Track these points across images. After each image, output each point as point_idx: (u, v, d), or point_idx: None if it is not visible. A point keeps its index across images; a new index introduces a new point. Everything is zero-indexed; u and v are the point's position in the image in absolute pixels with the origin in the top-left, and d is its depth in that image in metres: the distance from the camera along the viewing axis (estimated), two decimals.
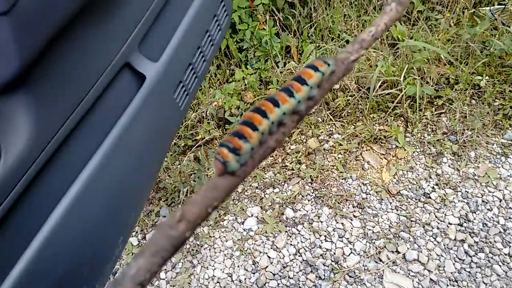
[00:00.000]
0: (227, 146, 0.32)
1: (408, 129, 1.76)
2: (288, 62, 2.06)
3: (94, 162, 0.77)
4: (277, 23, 2.09)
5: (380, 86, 1.78)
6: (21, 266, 0.66)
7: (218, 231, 1.61)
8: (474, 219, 1.50)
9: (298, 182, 1.67)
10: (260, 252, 1.51)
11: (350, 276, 1.40)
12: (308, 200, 1.61)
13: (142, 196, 0.97)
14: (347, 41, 1.94)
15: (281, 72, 2.00)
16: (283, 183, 1.69)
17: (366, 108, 1.76)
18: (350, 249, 1.46)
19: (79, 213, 0.74)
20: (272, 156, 1.79)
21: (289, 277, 1.43)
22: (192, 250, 1.57)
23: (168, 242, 0.28)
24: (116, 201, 0.85)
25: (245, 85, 2.01)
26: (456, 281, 1.36)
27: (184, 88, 0.96)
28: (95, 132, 0.79)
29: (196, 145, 1.90)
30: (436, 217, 1.52)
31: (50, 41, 0.62)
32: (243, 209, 1.64)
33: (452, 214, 1.51)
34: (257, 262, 1.49)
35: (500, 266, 1.37)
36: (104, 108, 0.80)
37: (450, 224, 1.50)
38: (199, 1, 0.96)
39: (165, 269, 1.55)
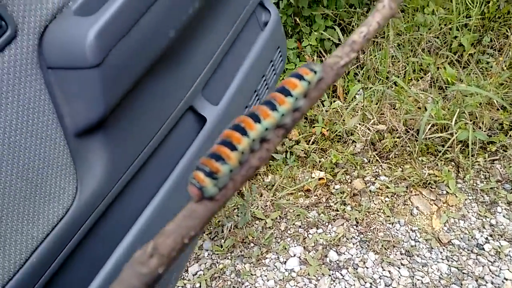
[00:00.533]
0: (203, 169, 0.29)
1: (459, 175, 1.70)
2: (334, 101, 2.07)
3: (157, 199, 0.80)
4: None
5: (429, 129, 1.75)
6: None
7: (260, 269, 1.58)
8: None
9: (343, 223, 1.64)
10: None
11: None
12: (353, 244, 1.57)
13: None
14: (395, 83, 1.94)
15: (326, 111, 2.01)
16: (327, 224, 1.66)
17: (415, 151, 1.73)
18: None
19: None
20: (316, 195, 1.78)
21: None
22: (234, 287, 1.55)
23: (138, 281, 0.26)
24: None
25: None
26: None
27: None
28: (159, 171, 0.82)
29: None
30: (490, 270, 1.44)
31: (129, 90, 0.67)
32: (285, 248, 1.62)
33: (508, 269, 1.43)
34: None
35: None
36: (168, 148, 0.83)
37: (506, 279, 1.41)
38: (258, 48, 1.00)
39: None
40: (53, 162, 0.62)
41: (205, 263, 1.66)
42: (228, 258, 1.66)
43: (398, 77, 1.99)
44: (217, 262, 1.66)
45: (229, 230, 1.69)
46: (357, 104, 1.92)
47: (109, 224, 0.74)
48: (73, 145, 0.65)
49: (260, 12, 1.03)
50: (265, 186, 1.87)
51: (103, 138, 0.68)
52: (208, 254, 1.69)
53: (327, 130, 1.96)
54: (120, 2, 0.57)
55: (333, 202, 1.72)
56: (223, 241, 1.69)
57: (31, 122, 0.58)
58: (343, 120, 1.95)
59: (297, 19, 2.04)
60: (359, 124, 1.86)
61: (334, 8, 2.04)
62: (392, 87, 1.98)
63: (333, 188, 1.78)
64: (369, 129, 1.82)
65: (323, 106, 2.06)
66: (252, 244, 1.67)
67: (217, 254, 1.67)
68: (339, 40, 2.04)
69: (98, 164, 0.68)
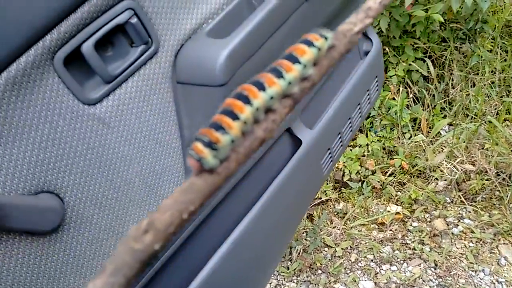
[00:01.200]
0: (201, 140, 0.27)
1: None
2: (416, 134, 1.99)
3: (251, 215, 0.82)
4: (409, 95, 2.07)
5: None
6: None
7: None
8: None
9: (420, 264, 1.55)
10: None
11: None
12: (430, 287, 1.48)
13: (280, 254, 0.99)
14: (490, 122, 1.83)
15: (408, 144, 1.94)
16: (401, 262, 1.58)
17: (506, 196, 1.60)
18: None
19: (231, 262, 0.78)
20: (391, 230, 1.71)
21: None
22: None
23: (131, 258, 0.24)
24: (263, 253, 0.87)
25: (368, 151, 1.99)
26: None
27: (330, 155, 0.99)
28: (253, 188, 0.84)
29: (312, 204, 1.89)
30: None
31: None
32: (355, 281, 1.57)
33: None
34: None
35: None
36: (264, 166, 0.85)
37: None
38: (358, 76, 1.00)
39: None
40: (169, 169, 0.66)
41: (271, 283, 1.65)
42: (294, 282, 1.64)
43: (490, 115, 1.88)
44: (282, 284, 1.64)
45: (298, 254, 1.67)
46: (446, 141, 1.83)
47: (203, 235, 0.77)
48: (186, 155, 0.70)
49: (362, 40, 1.04)
50: (335, 213, 1.84)
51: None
52: (274, 275, 1.68)
53: (407, 164, 1.89)
54: (250, 27, 0.60)
55: (410, 240, 1.64)
56: (290, 263, 1.68)
57: (157, 130, 0.63)
58: (425, 154, 1.87)
59: (386, 48, 2.02)
60: (445, 161, 1.78)
61: (426, 40, 1.99)
62: (481, 126, 1.87)
63: (410, 225, 1.70)
64: (456, 168, 1.72)
65: (404, 138, 2.00)
66: (319, 271, 1.64)
67: (283, 275, 1.66)
68: (428, 73, 1.98)
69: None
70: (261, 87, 0.29)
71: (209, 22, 0.62)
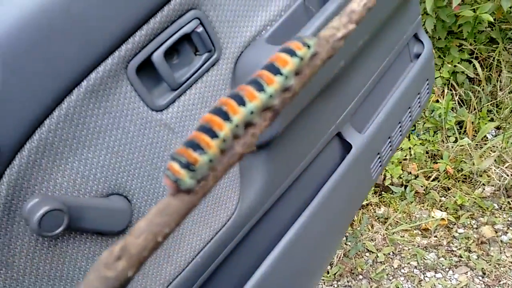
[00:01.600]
0: (178, 160, 0.25)
1: None
2: (462, 138, 1.93)
3: (301, 220, 0.82)
4: (454, 97, 2.00)
5: None
6: None
7: None
8: None
9: (466, 272, 1.50)
10: None
11: None
12: None
13: (328, 260, 0.99)
14: None
15: (452, 147, 1.88)
16: (447, 270, 1.54)
17: None
18: None
19: (281, 267, 0.78)
20: (436, 237, 1.66)
21: None
22: None
23: (104, 285, 0.22)
24: (313, 258, 0.88)
25: (410, 155, 1.94)
26: None
27: (380, 159, 0.97)
28: (304, 192, 0.85)
29: None
30: None
31: (299, 113, 0.71)
32: (397, 287, 1.53)
33: None
34: None
35: None
36: (314, 170, 0.85)
37: None
38: (409, 79, 0.98)
39: None
40: (227, 172, 0.67)
41: None
42: (334, 286, 1.62)
43: None
44: None
45: (338, 258, 1.65)
46: (494, 145, 1.77)
47: (258, 237, 0.78)
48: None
49: (412, 43, 1.02)
50: (376, 218, 1.80)
51: (265, 156, 0.72)
52: None
53: (452, 168, 1.83)
54: (309, 33, 0.61)
55: (456, 247, 1.59)
56: (330, 267, 1.66)
57: None
58: (471, 159, 1.81)
59: None
60: (493, 166, 1.71)
61: (472, 40, 1.92)
62: None
63: (456, 231, 1.65)
64: (505, 173, 1.66)
65: (448, 141, 1.94)
66: (360, 277, 1.62)
67: (323, 280, 1.64)
68: (476, 74, 1.92)
69: (258, 179, 0.73)
70: (241, 101, 0.27)
71: (267, 29, 0.63)
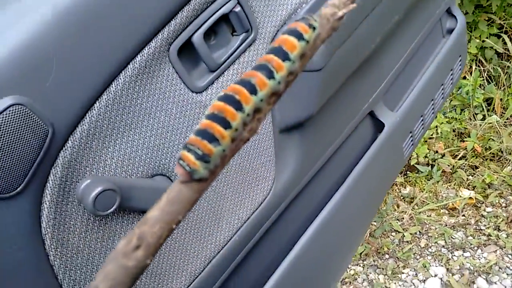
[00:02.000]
0: (194, 151, 0.25)
1: None
2: (490, 115, 1.89)
3: (336, 197, 0.82)
4: (482, 74, 1.95)
5: None
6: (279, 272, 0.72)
7: (396, 283, 1.53)
8: None
9: (496, 251, 1.49)
10: None
11: None
12: (508, 274, 1.42)
13: (361, 239, 0.99)
14: None
15: (480, 125, 1.84)
16: (475, 248, 1.53)
17: None
18: None
19: (316, 245, 0.79)
20: (464, 216, 1.65)
21: None
22: None
23: (125, 275, 0.23)
24: (345, 237, 0.88)
25: (437, 133, 1.91)
26: None
27: (412, 138, 0.96)
28: (337, 172, 0.85)
29: None
30: None
31: (334, 93, 0.70)
32: (425, 266, 1.53)
33: None
34: None
35: None
36: (347, 150, 0.85)
37: None
38: (442, 56, 0.96)
39: None
40: (262, 152, 0.68)
41: None
42: (360, 266, 1.63)
43: None
44: (348, 268, 1.65)
45: (364, 238, 1.66)
46: None
47: (291, 217, 0.79)
48: (277, 139, 0.71)
49: (445, 18, 0.99)
50: (401, 198, 1.79)
51: (299, 136, 0.73)
52: None
53: (480, 146, 1.80)
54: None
55: (484, 225, 1.57)
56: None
57: None
58: (500, 137, 1.77)
59: None
60: None
61: (502, 14, 1.86)
62: None
63: (484, 210, 1.63)
64: None
65: (476, 119, 1.90)
66: (387, 256, 1.62)
67: None
68: (506, 49, 1.86)
69: (292, 158, 0.73)
70: (253, 90, 0.27)
71: (303, 7, 0.62)
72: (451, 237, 1.58)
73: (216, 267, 0.66)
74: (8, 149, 0.38)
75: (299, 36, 0.29)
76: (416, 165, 1.81)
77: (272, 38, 0.61)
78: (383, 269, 1.59)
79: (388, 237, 1.68)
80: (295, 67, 0.30)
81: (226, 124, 0.26)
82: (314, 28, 0.30)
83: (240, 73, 0.60)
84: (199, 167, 0.25)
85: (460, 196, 1.69)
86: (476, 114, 1.91)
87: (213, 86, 0.56)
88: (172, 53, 0.49)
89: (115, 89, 0.45)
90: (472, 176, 1.77)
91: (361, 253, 1.64)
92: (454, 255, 1.53)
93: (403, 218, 1.72)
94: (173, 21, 0.47)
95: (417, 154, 1.84)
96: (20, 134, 0.38)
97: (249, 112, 0.27)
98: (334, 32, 0.32)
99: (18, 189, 0.40)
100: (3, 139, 0.38)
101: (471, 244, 1.54)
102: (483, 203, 1.66)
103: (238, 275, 0.71)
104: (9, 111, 0.37)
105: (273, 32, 0.61)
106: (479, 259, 1.49)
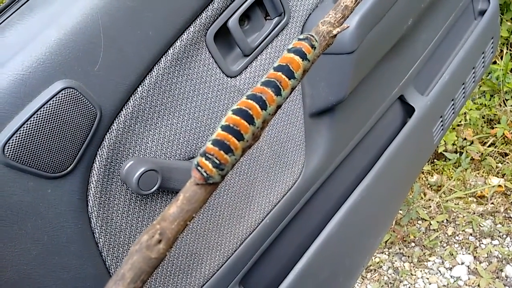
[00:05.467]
0: (212, 160, 0.28)
1: None
2: None
3: (364, 183, 0.82)
4: None
5: None
6: (302, 263, 0.74)
7: (421, 271, 1.52)
8: None
9: None
10: None
11: None
12: None
13: (389, 224, 0.99)
14: None
15: (510, 111, 1.79)
16: (504, 236, 1.50)
17: None
18: None
19: (346, 227, 0.80)
20: (493, 203, 1.62)
21: None
22: (391, 284, 1.53)
23: (148, 266, 0.26)
24: (373, 222, 0.89)
25: (465, 120, 1.87)
26: None
27: (442, 123, 0.95)
28: (366, 156, 0.85)
29: None
30: None
31: (365, 76, 0.70)
32: (452, 254, 1.52)
33: None
34: None
35: None
36: (376, 134, 0.85)
37: None
38: (474, 38, 0.94)
39: None
40: (293, 137, 0.69)
41: None
42: (385, 254, 1.63)
43: None
44: (374, 255, 1.65)
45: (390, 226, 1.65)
46: None
47: (320, 201, 0.79)
48: (307, 124, 0.71)
49: (477, 0, 0.96)
50: (428, 186, 1.77)
51: (329, 120, 0.73)
52: None
53: (510, 133, 1.75)
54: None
55: None
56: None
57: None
58: None
59: None
60: None
61: None
62: None
63: None
64: None
65: (505, 105, 1.84)
66: (413, 244, 1.61)
67: None
68: None
69: (322, 143, 0.74)
70: (263, 106, 0.30)
71: None
72: (479, 225, 1.55)
73: (248, 248, 0.67)
74: (60, 131, 0.40)
75: (303, 56, 0.33)
76: (444, 153, 1.78)
77: (303, 22, 0.62)
78: (408, 256, 1.58)
79: (415, 225, 1.66)
80: (297, 83, 0.33)
81: (240, 137, 0.29)
82: (315, 48, 0.34)
83: (274, 57, 0.60)
84: (215, 174, 0.28)
85: (489, 184, 1.66)
86: (507, 100, 1.86)
87: (247, 70, 0.57)
88: (208, 38, 0.50)
89: (156, 73, 0.46)
90: (501, 163, 1.73)
91: (386, 241, 1.64)
92: (482, 243, 1.51)
93: (430, 206, 1.70)
94: (210, 6, 0.48)
95: (445, 141, 1.81)
96: (71, 117, 0.40)
97: (259, 125, 0.31)
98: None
99: (68, 169, 0.42)
100: (55, 122, 0.40)
101: (499, 232, 1.51)
102: (511, 190, 1.62)
103: (268, 256, 0.73)
104: (61, 94, 0.39)
105: (306, 15, 0.61)
106: (508, 247, 1.46)
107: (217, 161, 0.28)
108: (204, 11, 0.48)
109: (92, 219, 0.47)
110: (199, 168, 0.29)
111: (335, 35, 0.35)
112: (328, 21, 0.36)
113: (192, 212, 0.28)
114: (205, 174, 0.28)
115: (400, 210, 1.68)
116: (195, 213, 0.28)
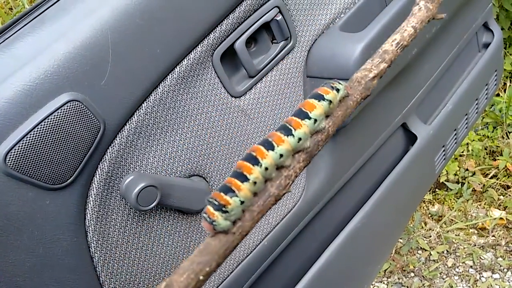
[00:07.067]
0: (212, 203, 0.28)
1: None
2: None
3: (363, 211, 0.81)
4: None
5: None
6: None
7: None
8: None
9: None
10: None
11: None
12: None
13: (387, 254, 0.98)
14: None
15: None
16: (505, 270, 1.48)
17: None
18: None
19: (343, 256, 0.78)
20: (494, 236, 1.60)
21: None
22: None
23: None
24: (372, 250, 0.87)
25: (468, 151, 1.87)
26: None
27: (444, 152, 0.95)
28: (367, 183, 0.84)
29: None
30: None
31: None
32: (451, 287, 1.49)
33: None
34: None
35: None
36: (378, 161, 0.85)
37: None
38: (477, 70, 0.95)
39: None
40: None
41: None
42: (384, 283, 1.60)
43: None
44: (372, 285, 1.62)
45: (390, 255, 1.63)
46: None
47: (319, 225, 0.79)
48: None
49: (481, 32, 0.98)
50: (429, 215, 1.76)
51: (331, 145, 0.73)
52: None
53: None
54: (384, 21, 0.60)
55: None
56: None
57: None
58: None
59: None
60: None
61: None
62: None
63: None
64: None
65: (508, 138, 1.84)
66: (412, 274, 1.59)
67: None
68: None
69: (323, 167, 0.74)
70: (269, 146, 0.30)
71: (341, 16, 0.63)
72: (480, 257, 1.53)
73: (244, 271, 0.66)
74: (63, 143, 0.40)
75: (319, 97, 0.32)
76: (445, 182, 1.77)
77: (309, 47, 0.63)
78: (407, 287, 1.55)
79: (414, 255, 1.64)
80: (320, 126, 0.33)
81: (243, 178, 0.29)
82: (337, 90, 0.33)
83: (278, 79, 0.61)
84: (218, 218, 0.28)
85: (491, 216, 1.64)
86: (509, 132, 1.86)
87: (251, 91, 0.57)
88: (215, 58, 0.51)
89: (162, 90, 0.47)
90: (503, 196, 1.72)
91: (385, 270, 1.61)
92: (483, 276, 1.48)
93: (430, 236, 1.68)
94: (218, 27, 0.49)
95: (447, 171, 1.80)
96: (74, 129, 0.41)
97: (268, 166, 0.30)
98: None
99: (68, 181, 0.42)
100: (59, 133, 0.40)
101: (500, 266, 1.49)
102: None
103: (265, 280, 0.72)
104: (67, 106, 0.40)
105: (312, 40, 0.62)
106: (509, 282, 1.44)
107: (217, 203, 0.28)
108: (212, 32, 0.49)
109: (89, 232, 0.46)
110: (204, 215, 0.28)
111: (373, 78, 0.35)
112: (364, 68, 0.36)
113: (204, 265, 0.27)
114: (208, 219, 0.28)
115: (400, 239, 1.66)
116: (209, 266, 0.27)
